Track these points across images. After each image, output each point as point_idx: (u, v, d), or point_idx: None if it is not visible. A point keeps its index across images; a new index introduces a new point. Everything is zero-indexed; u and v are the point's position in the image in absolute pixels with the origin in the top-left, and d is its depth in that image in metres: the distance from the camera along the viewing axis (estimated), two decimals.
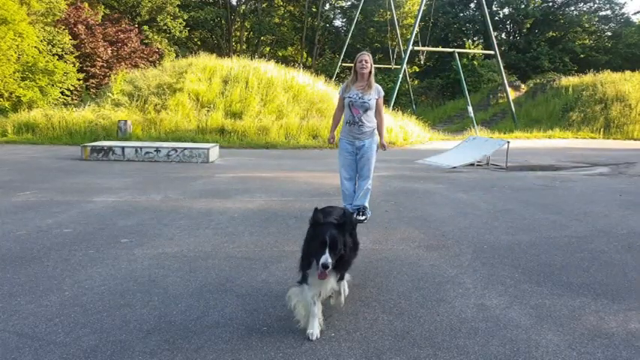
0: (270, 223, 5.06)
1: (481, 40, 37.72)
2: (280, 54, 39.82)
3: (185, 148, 10.22)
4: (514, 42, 36.92)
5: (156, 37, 28.45)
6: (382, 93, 5.07)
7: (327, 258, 2.45)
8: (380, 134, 5.16)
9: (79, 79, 19.01)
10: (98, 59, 21.37)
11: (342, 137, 5.19)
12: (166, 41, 29.23)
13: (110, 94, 15.64)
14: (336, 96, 5.62)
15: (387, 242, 4.43)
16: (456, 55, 22.94)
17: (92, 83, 20.87)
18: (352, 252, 2.81)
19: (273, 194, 6.63)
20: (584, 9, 36.66)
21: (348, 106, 5.02)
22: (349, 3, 41.29)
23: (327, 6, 41.43)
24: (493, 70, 30.12)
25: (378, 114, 5.06)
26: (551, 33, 36.58)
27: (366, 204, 5.23)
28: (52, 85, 17.43)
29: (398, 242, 4.43)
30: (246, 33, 39.82)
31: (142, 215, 5.25)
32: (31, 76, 16.76)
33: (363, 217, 5.15)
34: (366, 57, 4.96)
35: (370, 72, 4.96)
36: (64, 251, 3.94)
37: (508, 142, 11.12)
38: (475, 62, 30.49)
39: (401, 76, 23.30)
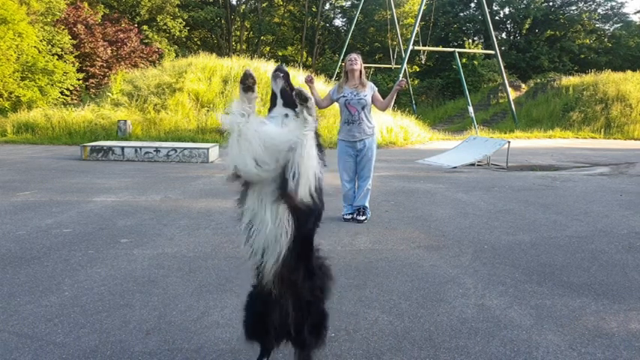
0: None
1: (481, 40, 37.70)
2: (280, 54, 39.82)
3: (185, 148, 10.21)
4: (514, 42, 36.92)
5: (156, 36, 28.45)
6: (376, 88, 5.08)
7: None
8: (391, 96, 5.04)
9: (78, 79, 19.00)
10: (98, 59, 21.36)
11: (341, 139, 5.13)
12: (166, 41, 29.23)
13: (110, 94, 15.63)
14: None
15: (387, 242, 4.42)
16: (456, 54, 22.94)
17: (92, 83, 20.86)
18: None
19: None
20: (585, 8, 36.66)
21: (344, 105, 4.97)
22: (349, 3, 41.28)
23: (327, 5, 41.41)
24: (493, 70, 30.10)
25: (380, 103, 5.04)
26: (551, 33, 36.58)
27: (366, 204, 5.23)
28: (52, 85, 17.42)
29: (398, 242, 4.43)
30: (246, 33, 39.81)
31: (141, 215, 5.25)
32: (30, 76, 16.76)
33: (363, 217, 5.17)
34: (355, 55, 4.99)
35: (360, 71, 4.97)
36: (63, 251, 3.93)
37: (508, 141, 11.12)
38: (475, 62, 30.47)
39: (401, 76, 23.28)
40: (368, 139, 5.02)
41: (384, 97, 5.13)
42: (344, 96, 4.93)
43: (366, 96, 4.92)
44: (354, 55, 5.00)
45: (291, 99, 1.85)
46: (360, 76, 4.98)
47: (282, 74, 1.95)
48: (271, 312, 1.94)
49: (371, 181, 5.21)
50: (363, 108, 4.92)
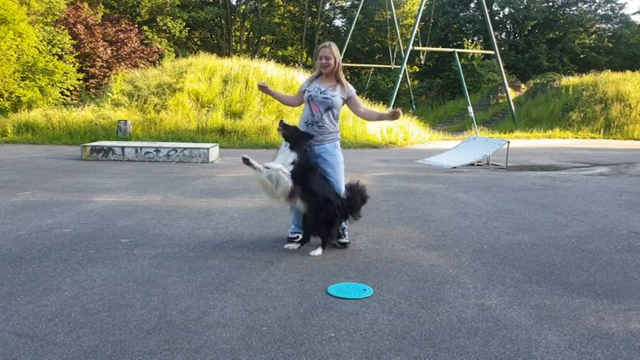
0: (270, 223, 5.06)
1: (481, 41, 37.73)
2: (280, 54, 39.82)
3: (185, 148, 10.22)
4: (514, 42, 36.94)
5: (156, 37, 28.45)
6: (353, 91, 4.20)
7: None
8: (380, 114, 4.42)
9: (78, 79, 19.00)
10: (98, 59, 21.35)
11: None
12: (166, 41, 29.23)
13: (110, 94, 15.64)
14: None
15: (387, 242, 4.43)
16: (456, 55, 22.95)
17: (92, 83, 20.86)
18: None
19: None
20: (584, 8, 36.68)
21: (307, 101, 4.11)
22: (349, 3, 41.29)
23: (327, 6, 41.43)
24: (493, 70, 30.11)
25: (358, 108, 4.22)
26: (551, 33, 36.59)
27: (344, 223, 4.23)
28: (52, 85, 17.42)
29: (398, 242, 4.43)
30: (246, 33, 39.81)
31: (141, 215, 5.25)
32: (31, 76, 16.76)
33: (345, 240, 4.24)
34: (328, 52, 4.02)
35: (335, 69, 4.05)
36: (64, 251, 3.94)
37: (508, 141, 11.13)
38: (475, 62, 30.48)
39: (401, 76, 23.30)
40: (329, 144, 4.11)
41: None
42: (309, 90, 4.11)
43: (335, 97, 4.03)
44: (326, 52, 4.02)
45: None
46: (336, 74, 4.08)
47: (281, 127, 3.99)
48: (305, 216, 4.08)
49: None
50: (327, 109, 4.05)
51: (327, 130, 4.09)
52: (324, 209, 3.93)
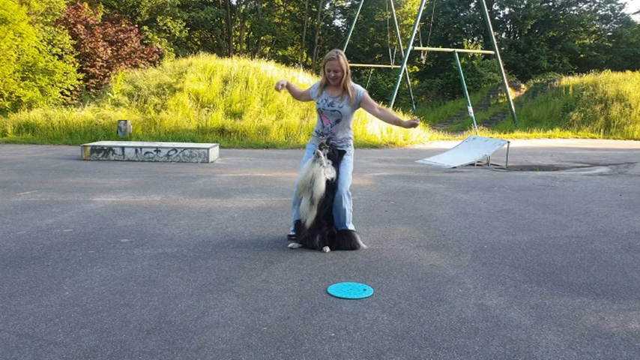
0: (270, 223, 5.06)
1: (481, 40, 37.73)
2: (280, 54, 39.83)
3: (185, 148, 10.22)
4: (514, 42, 36.94)
5: (156, 37, 28.43)
6: (363, 93, 4.13)
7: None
8: (397, 119, 4.28)
9: (78, 79, 19.00)
10: (98, 59, 21.36)
11: (311, 142, 4.39)
12: (166, 41, 29.21)
13: (110, 94, 15.64)
14: None
15: (387, 242, 4.43)
16: (456, 55, 22.95)
17: (92, 83, 20.86)
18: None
19: (273, 194, 6.63)
20: (585, 8, 36.69)
21: (318, 113, 4.20)
22: (349, 3, 41.30)
23: (328, 6, 41.43)
24: (493, 70, 30.11)
25: (373, 109, 4.17)
26: (551, 33, 36.60)
27: (350, 226, 4.25)
28: (52, 85, 17.42)
29: (398, 242, 4.43)
30: (246, 33, 39.82)
31: (142, 215, 5.25)
32: (31, 76, 16.76)
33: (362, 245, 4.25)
34: (336, 65, 3.95)
35: (343, 78, 4.01)
36: (64, 251, 3.94)
37: (508, 141, 11.12)
38: (475, 62, 30.48)
39: (401, 76, 23.29)
40: (340, 150, 4.17)
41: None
42: (318, 103, 4.14)
43: (342, 107, 4.03)
44: (334, 65, 3.97)
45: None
46: (343, 82, 4.03)
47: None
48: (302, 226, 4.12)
49: (349, 200, 4.17)
50: (337, 121, 4.09)
51: (338, 138, 4.18)
52: (322, 219, 4.11)
